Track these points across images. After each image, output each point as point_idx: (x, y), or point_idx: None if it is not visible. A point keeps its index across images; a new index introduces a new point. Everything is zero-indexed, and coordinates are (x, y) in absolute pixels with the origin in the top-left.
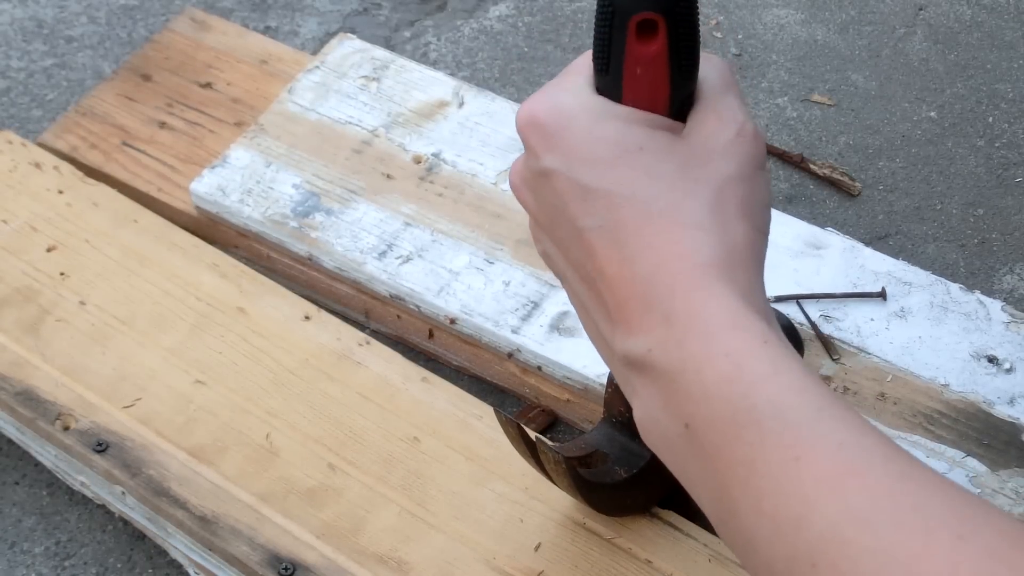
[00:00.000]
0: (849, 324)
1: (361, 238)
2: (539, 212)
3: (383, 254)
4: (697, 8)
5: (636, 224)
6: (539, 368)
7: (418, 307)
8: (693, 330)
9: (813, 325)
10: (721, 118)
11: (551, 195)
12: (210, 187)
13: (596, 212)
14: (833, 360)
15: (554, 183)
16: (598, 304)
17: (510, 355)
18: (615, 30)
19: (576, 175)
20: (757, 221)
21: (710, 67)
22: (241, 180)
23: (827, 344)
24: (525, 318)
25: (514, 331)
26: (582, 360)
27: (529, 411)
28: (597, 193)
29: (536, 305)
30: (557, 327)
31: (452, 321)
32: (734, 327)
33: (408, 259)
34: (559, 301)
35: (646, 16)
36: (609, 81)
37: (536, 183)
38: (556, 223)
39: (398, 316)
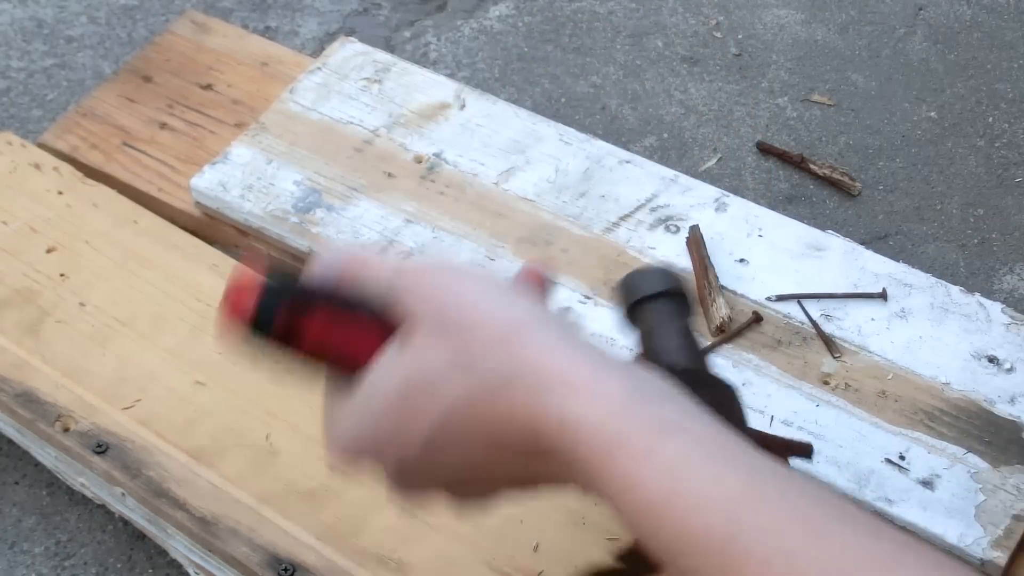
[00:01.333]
0: (850, 323)
1: (362, 234)
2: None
3: (384, 250)
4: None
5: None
6: None
7: None
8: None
9: (814, 323)
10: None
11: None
12: (211, 182)
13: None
14: (834, 358)
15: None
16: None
17: None
18: (274, 342)
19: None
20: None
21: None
22: (242, 176)
23: (828, 342)
24: None
25: None
26: None
27: None
28: (436, 440)
29: None
30: None
31: None
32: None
33: (409, 255)
34: (560, 298)
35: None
36: (334, 378)
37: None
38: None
39: None
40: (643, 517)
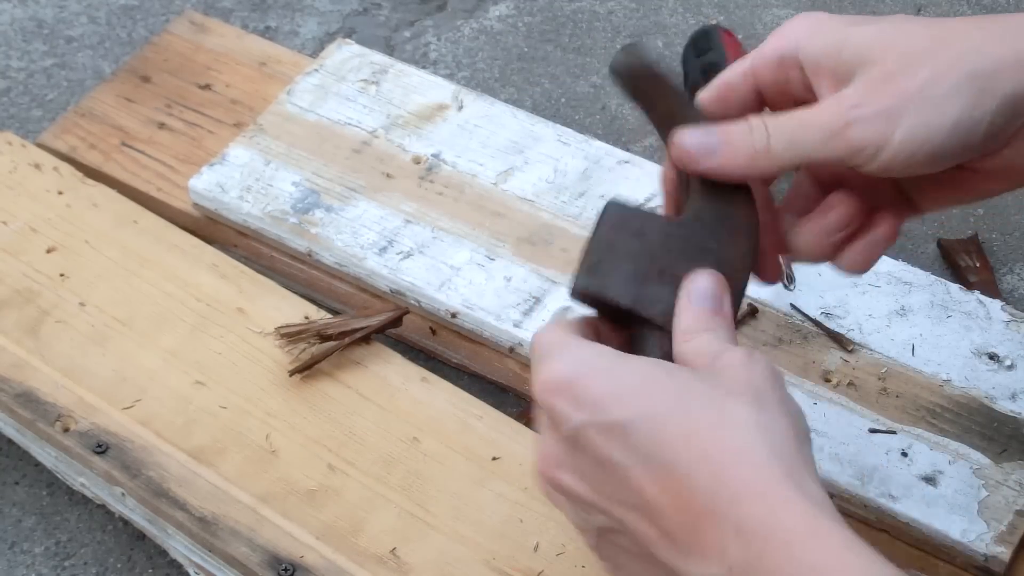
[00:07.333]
0: (851, 321)
1: (361, 234)
2: (580, 486)
3: (384, 250)
4: None
5: (681, 440)
6: None
7: (419, 302)
8: (772, 541)
9: (816, 323)
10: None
11: (588, 455)
12: (209, 184)
13: (636, 444)
14: (848, 351)
15: (587, 438)
16: (661, 542)
17: (511, 350)
18: None
19: (607, 417)
20: (790, 407)
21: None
22: (240, 177)
23: (837, 338)
24: (527, 313)
25: (516, 325)
26: None
27: (530, 411)
28: (631, 424)
29: (538, 300)
30: None
31: (453, 315)
32: (814, 535)
33: (409, 255)
34: (561, 297)
35: None
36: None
37: (572, 453)
38: (601, 483)
39: None
40: None
